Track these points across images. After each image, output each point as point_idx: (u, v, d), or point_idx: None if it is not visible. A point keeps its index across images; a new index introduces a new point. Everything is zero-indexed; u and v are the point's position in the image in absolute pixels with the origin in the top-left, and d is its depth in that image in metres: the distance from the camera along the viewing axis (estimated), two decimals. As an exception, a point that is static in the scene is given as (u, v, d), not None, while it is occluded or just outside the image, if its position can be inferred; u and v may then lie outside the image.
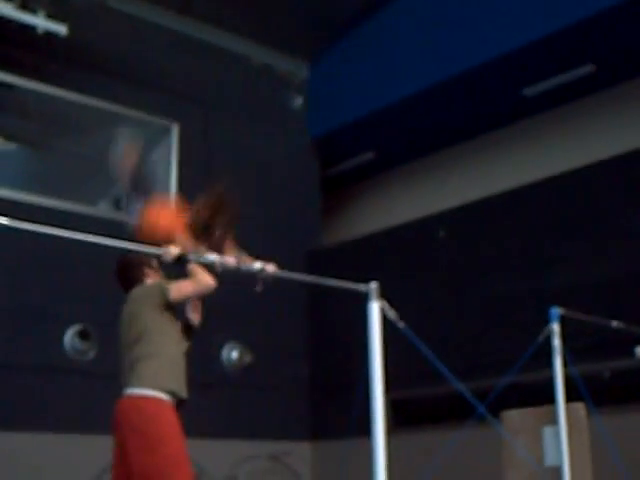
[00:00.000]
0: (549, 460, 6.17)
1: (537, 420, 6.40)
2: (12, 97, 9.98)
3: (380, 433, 4.42)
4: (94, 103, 10.17)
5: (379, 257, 10.55)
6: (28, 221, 4.05)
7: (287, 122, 11.94)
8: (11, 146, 11.80)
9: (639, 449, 7.32)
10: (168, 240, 5.13)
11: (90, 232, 4.39)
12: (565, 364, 6.06)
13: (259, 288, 5.09)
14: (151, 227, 5.33)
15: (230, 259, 4.95)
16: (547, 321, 6.06)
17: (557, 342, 6.04)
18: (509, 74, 10.04)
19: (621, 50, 9.47)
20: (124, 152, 5.61)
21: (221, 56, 11.33)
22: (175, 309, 5.28)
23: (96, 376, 8.70)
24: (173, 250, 5.06)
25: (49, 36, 9.34)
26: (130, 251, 5.18)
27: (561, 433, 5.95)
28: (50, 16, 9.38)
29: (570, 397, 6.08)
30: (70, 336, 9.13)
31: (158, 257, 5.42)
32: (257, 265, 4.99)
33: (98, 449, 6.89)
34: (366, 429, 4.50)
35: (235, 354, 10.43)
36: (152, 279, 5.48)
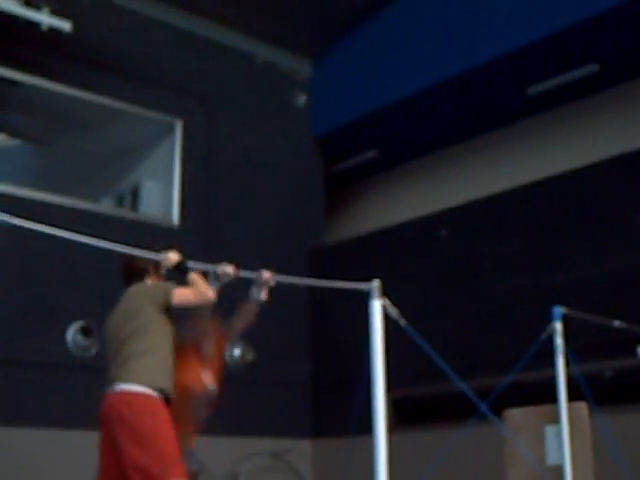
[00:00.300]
0: (551, 459, 6.17)
1: (539, 419, 6.39)
2: (16, 93, 9.99)
3: (382, 431, 4.42)
4: (98, 100, 10.18)
5: (381, 255, 10.55)
6: (31, 217, 4.06)
7: (290, 120, 11.93)
8: (15, 142, 11.83)
9: (640, 448, 7.33)
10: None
11: (93, 229, 4.40)
12: (567, 363, 6.06)
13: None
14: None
15: (229, 268, 5.00)
16: (549, 320, 6.06)
17: (559, 341, 6.04)
18: (513, 73, 10.03)
19: (625, 50, 9.46)
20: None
21: (225, 54, 11.33)
22: (172, 313, 5.28)
23: (98, 372, 8.69)
24: (173, 257, 5.08)
25: (53, 33, 9.34)
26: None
27: (563, 432, 5.95)
28: (54, 13, 9.39)
29: (572, 396, 6.07)
30: (72, 332, 9.14)
31: (158, 263, 5.45)
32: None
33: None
34: (368, 427, 4.50)
35: (237, 352, 10.44)
36: (153, 279, 5.48)
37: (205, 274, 5.12)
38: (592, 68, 9.72)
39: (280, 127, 11.74)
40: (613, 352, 8.17)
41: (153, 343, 5.17)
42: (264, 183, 11.26)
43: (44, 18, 9.31)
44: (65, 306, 9.03)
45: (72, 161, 11.44)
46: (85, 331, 9.14)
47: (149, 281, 5.48)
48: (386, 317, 4.60)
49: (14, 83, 9.76)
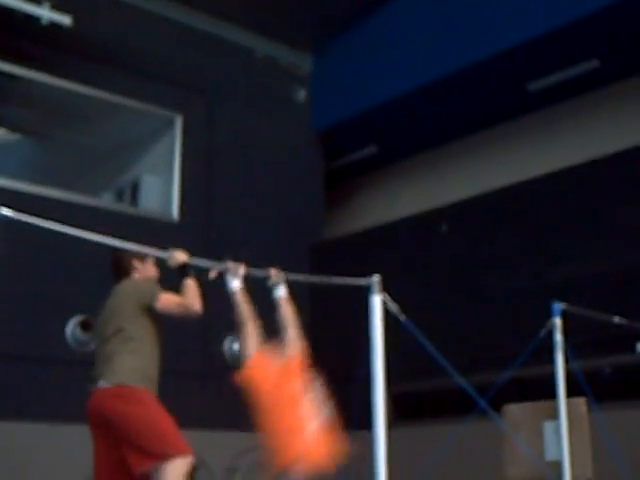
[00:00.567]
0: (550, 455, 6.18)
1: (538, 415, 6.41)
2: (16, 87, 9.98)
3: (381, 426, 4.43)
4: (98, 94, 10.17)
5: (381, 250, 10.55)
6: (30, 212, 4.06)
7: (291, 115, 11.92)
8: (15, 136, 11.82)
9: (639, 444, 7.33)
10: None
11: (92, 223, 4.39)
12: (566, 359, 6.06)
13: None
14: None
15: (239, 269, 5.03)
16: (549, 316, 6.07)
17: (559, 337, 6.04)
18: (513, 69, 10.03)
19: (625, 46, 9.45)
20: None
21: (225, 48, 11.32)
22: (156, 314, 5.28)
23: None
24: (180, 256, 5.07)
25: (53, 27, 9.33)
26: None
27: (562, 428, 5.95)
28: (54, 7, 9.37)
29: (571, 392, 6.08)
30: (72, 327, 9.14)
31: (145, 257, 5.44)
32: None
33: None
34: (367, 422, 4.50)
35: (237, 346, 10.43)
36: (140, 274, 5.46)
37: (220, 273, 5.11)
38: (592, 64, 9.71)
39: (280, 122, 11.73)
40: (612, 348, 8.18)
41: (137, 343, 5.17)
42: (264, 178, 11.26)
43: (44, 12, 9.30)
44: (64, 300, 9.03)
45: (72, 155, 11.43)
46: (84, 325, 9.14)
47: (137, 276, 5.46)
48: (386, 312, 4.61)
49: (14, 77, 9.75)
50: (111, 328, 5.19)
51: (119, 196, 11.26)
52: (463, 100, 10.80)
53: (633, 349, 8.07)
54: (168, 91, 10.73)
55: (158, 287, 5.29)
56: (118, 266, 5.50)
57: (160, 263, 5.45)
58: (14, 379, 8.61)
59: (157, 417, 5.05)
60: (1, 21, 9.12)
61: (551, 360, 6.03)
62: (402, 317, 4.61)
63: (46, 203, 9.01)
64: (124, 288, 5.34)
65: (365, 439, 4.59)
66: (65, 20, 9.38)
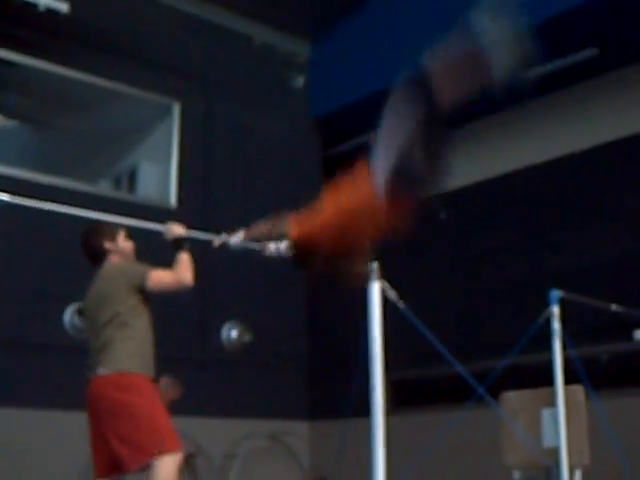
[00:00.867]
0: (547, 441, 6.19)
1: (536, 402, 6.41)
2: (13, 74, 9.95)
3: (379, 413, 4.43)
4: (95, 81, 10.15)
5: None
6: (28, 198, 4.06)
7: (288, 102, 11.90)
8: (12, 123, 11.79)
9: (636, 432, 7.35)
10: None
11: (90, 210, 4.39)
12: (564, 347, 6.07)
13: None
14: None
15: (233, 238, 4.94)
16: (547, 304, 6.07)
17: (556, 325, 6.05)
18: (511, 56, 10.00)
19: (624, 34, 9.43)
20: None
21: (223, 35, 11.29)
22: (147, 294, 5.26)
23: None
24: (177, 229, 5.06)
25: (50, 13, 9.29)
26: (96, 224, 5.18)
27: (559, 415, 5.96)
28: (51, -7, 9.35)
29: (569, 380, 6.09)
30: (70, 314, 9.14)
31: (115, 236, 5.43)
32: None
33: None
34: (365, 409, 4.51)
35: (234, 333, 10.45)
36: (117, 253, 5.44)
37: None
38: (591, 52, 9.69)
39: (278, 109, 11.71)
40: (610, 336, 8.19)
41: (134, 329, 5.17)
42: (261, 165, 11.25)
43: (41, -1, 9.28)
44: (62, 288, 9.02)
45: (69, 143, 11.41)
46: (82, 313, 9.14)
47: (115, 259, 5.44)
48: (384, 299, 4.61)
49: (11, 64, 9.72)
50: (105, 315, 5.18)
51: (117, 183, 11.25)
52: (462, 87, 10.77)
53: (630, 337, 8.08)
54: (166, 78, 10.71)
55: (145, 265, 5.27)
56: (91, 253, 5.48)
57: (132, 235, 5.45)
58: (12, 366, 8.62)
59: (154, 410, 5.05)
60: (-2, 8, 9.10)
61: (549, 347, 6.04)
62: (401, 304, 4.61)
63: (44, 190, 8.99)
64: (110, 273, 5.32)
65: (363, 426, 4.60)
66: (62, 7, 9.34)
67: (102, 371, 5.06)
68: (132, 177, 11.01)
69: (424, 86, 4.26)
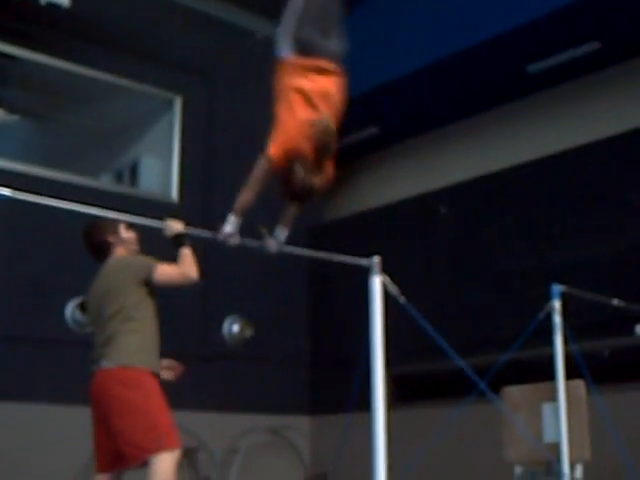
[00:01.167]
0: (548, 436, 6.20)
1: (537, 397, 6.42)
2: (14, 68, 9.95)
3: (380, 408, 4.43)
4: (96, 75, 10.14)
5: (381, 232, 10.55)
6: (30, 193, 4.05)
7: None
8: (13, 118, 11.79)
9: (637, 427, 7.35)
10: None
11: (91, 204, 4.39)
12: (565, 341, 6.07)
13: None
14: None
15: (235, 237, 4.92)
16: (548, 298, 6.07)
17: (558, 319, 6.05)
18: (513, 51, 9.99)
19: (626, 28, 9.41)
20: None
21: (225, 29, 11.27)
22: (152, 287, 5.25)
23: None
24: (176, 226, 5.05)
25: (51, 7, 9.27)
26: (97, 219, 5.18)
27: (560, 410, 5.97)
28: (52, -13, 9.34)
29: (570, 374, 6.10)
30: (71, 308, 9.15)
31: (117, 230, 5.42)
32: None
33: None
34: (366, 404, 4.51)
35: (236, 328, 10.45)
36: (122, 246, 5.44)
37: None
38: (593, 46, 9.67)
39: (279, 103, 11.67)
40: (611, 331, 8.19)
41: (139, 322, 5.16)
42: (263, 159, 11.22)
43: (42, -8, 9.26)
44: (64, 282, 9.03)
45: (71, 137, 11.40)
46: (84, 307, 9.14)
47: (121, 251, 5.43)
48: (385, 294, 4.61)
49: (12, 58, 9.72)
50: (110, 308, 5.17)
51: (118, 177, 11.24)
52: (464, 82, 10.76)
53: (632, 331, 8.08)
54: (167, 72, 10.70)
55: (150, 259, 5.27)
56: (96, 249, 5.47)
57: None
58: (14, 361, 8.63)
59: (154, 406, 5.04)
60: (-1, 1, 9.09)
61: (550, 342, 6.04)
62: (402, 299, 4.61)
63: (45, 184, 8.99)
64: (116, 267, 5.31)
65: (364, 420, 4.60)
66: (63, 0, 9.32)
67: (105, 365, 5.06)
68: (133, 171, 11.01)
69: None
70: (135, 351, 5.09)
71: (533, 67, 10.19)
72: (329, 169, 4.62)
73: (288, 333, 10.89)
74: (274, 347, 10.67)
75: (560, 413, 5.96)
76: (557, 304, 6.06)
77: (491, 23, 9.77)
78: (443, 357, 5.27)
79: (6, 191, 3.82)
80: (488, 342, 8.56)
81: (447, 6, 10.38)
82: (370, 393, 4.48)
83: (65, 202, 4.23)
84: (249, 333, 10.50)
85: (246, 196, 4.80)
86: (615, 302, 6.70)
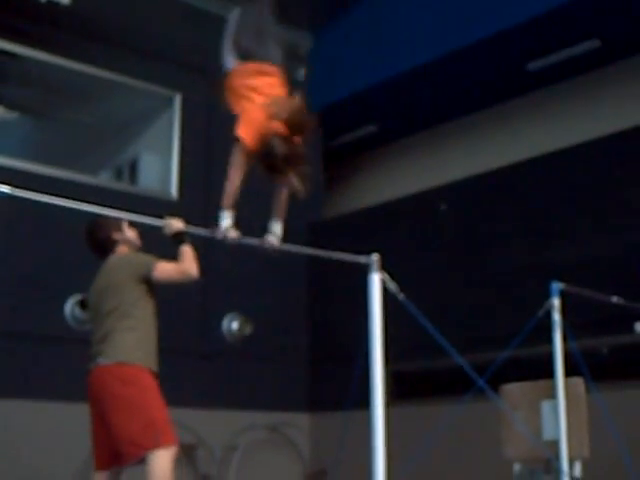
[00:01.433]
0: (547, 434, 6.20)
1: (536, 394, 6.42)
2: (14, 66, 9.94)
3: (379, 405, 4.44)
4: (97, 72, 10.14)
5: (380, 230, 10.55)
6: (29, 190, 4.05)
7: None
8: (13, 115, 11.79)
9: (637, 424, 7.36)
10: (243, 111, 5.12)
11: (91, 202, 4.39)
12: (565, 339, 6.08)
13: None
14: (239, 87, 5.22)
15: (234, 234, 4.90)
16: (547, 296, 6.07)
17: (557, 317, 6.05)
18: (513, 48, 10.00)
19: (626, 25, 9.42)
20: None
21: (224, 26, 11.23)
22: (152, 285, 5.26)
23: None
24: (176, 224, 5.05)
25: (51, 5, 9.29)
26: (100, 216, 5.18)
27: (560, 407, 5.97)
28: (52, -16, 9.34)
29: (569, 372, 6.10)
30: (70, 306, 9.15)
31: (121, 227, 5.43)
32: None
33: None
34: (365, 401, 4.51)
35: (235, 325, 10.45)
36: (123, 247, 5.45)
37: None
38: (593, 44, 9.68)
39: (279, 101, 11.67)
40: (611, 328, 8.19)
41: (136, 320, 5.16)
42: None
43: (42, -11, 9.26)
44: (63, 280, 9.04)
45: (70, 134, 11.41)
46: (83, 304, 9.14)
47: (123, 249, 5.44)
48: (385, 291, 4.61)
49: (12, 55, 9.72)
50: (108, 305, 5.18)
51: (118, 175, 11.24)
52: (463, 79, 10.77)
53: (631, 329, 8.08)
54: (167, 69, 10.70)
55: (151, 257, 5.27)
56: (99, 246, 5.47)
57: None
58: (13, 357, 8.63)
59: (150, 403, 5.04)
60: (-1, -1, 9.09)
61: (549, 340, 6.05)
62: (401, 296, 4.62)
63: (45, 181, 8.99)
64: (117, 264, 5.32)
65: (363, 417, 4.60)
66: (63, -2, 9.34)
67: (103, 361, 5.06)
68: (133, 169, 11.01)
69: None
70: (132, 348, 5.09)
71: (533, 65, 10.20)
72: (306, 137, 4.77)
73: (287, 330, 10.89)
74: (273, 344, 10.67)
75: (559, 411, 5.96)
76: (556, 302, 6.06)
77: (491, 21, 9.77)
78: (442, 354, 5.28)
79: (6, 188, 3.82)
80: (487, 339, 8.56)
81: (447, 4, 10.39)
82: (369, 390, 4.48)
83: (65, 200, 4.22)
84: (248, 330, 10.51)
85: (230, 188, 4.95)
86: (614, 300, 6.70)
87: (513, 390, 6.64)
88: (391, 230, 10.49)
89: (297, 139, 4.73)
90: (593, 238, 8.63)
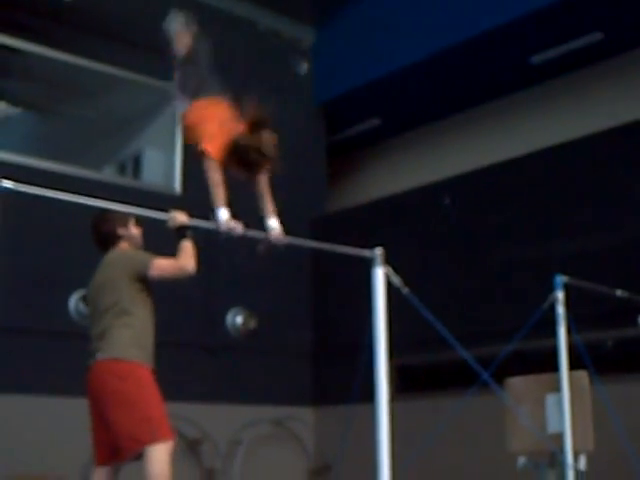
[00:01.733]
0: (552, 427, 6.20)
1: (540, 387, 6.42)
2: (17, 61, 9.94)
3: (383, 399, 4.44)
4: (100, 67, 10.13)
5: (384, 224, 10.55)
6: (33, 185, 4.06)
7: (293, 88, 11.87)
8: (16, 110, 11.79)
9: (641, 417, 7.36)
10: (203, 138, 5.44)
11: (95, 197, 4.39)
12: (569, 332, 6.08)
13: (262, 249, 5.07)
14: (196, 121, 5.63)
15: (238, 226, 4.91)
16: (551, 289, 6.07)
17: (561, 310, 6.05)
18: (516, 41, 9.98)
19: (629, 18, 9.40)
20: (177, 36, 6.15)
21: (227, 21, 11.25)
22: (149, 281, 5.26)
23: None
24: (180, 217, 5.06)
25: (54, 0, 9.28)
26: (108, 210, 5.18)
27: (564, 400, 5.97)
28: (54, -21, 9.34)
29: (573, 365, 6.10)
30: (75, 301, 9.15)
31: (127, 223, 5.43)
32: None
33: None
34: (369, 395, 4.52)
35: (240, 319, 10.46)
36: (126, 243, 5.45)
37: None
38: (596, 37, 9.67)
39: (282, 95, 11.65)
40: (615, 321, 8.19)
41: (134, 317, 5.16)
42: (266, 151, 11.21)
43: (45, -15, 9.26)
44: (67, 275, 9.04)
45: (74, 129, 11.40)
46: (86, 299, 9.16)
47: (125, 245, 5.45)
48: (388, 285, 4.61)
49: (15, 50, 9.71)
50: (106, 302, 5.18)
51: (121, 170, 11.24)
52: (466, 73, 10.76)
53: (635, 322, 8.08)
54: (170, 64, 10.67)
55: (149, 254, 5.27)
56: (102, 239, 5.48)
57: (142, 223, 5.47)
58: (17, 352, 8.63)
59: (147, 398, 5.05)
60: (2, -6, 9.09)
61: (553, 333, 6.05)
62: (405, 290, 4.62)
63: (48, 177, 8.99)
64: (115, 260, 5.32)
65: (368, 411, 4.61)
66: (65, -7, 9.34)
67: (100, 358, 5.08)
68: (137, 163, 11.00)
69: None
70: (128, 345, 5.10)
71: (536, 58, 10.19)
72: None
73: (291, 324, 10.89)
74: (278, 338, 10.68)
75: (563, 404, 5.97)
76: (560, 295, 6.06)
77: (494, 14, 9.76)
78: (446, 348, 5.28)
79: (9, 184, 3.83)
80: (491, 333, 8.56)
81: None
82: (373, 384, 4.49)
83: (68, 194, 4.23)
84: (253, 325, 10.51)
85: (216, 188, 5.42)
86: (618, 293, 6.70)
87: (517, 383, 6.64)
88: (395, 224, 10.48)
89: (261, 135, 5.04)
90: (597, 231, 8.62)
